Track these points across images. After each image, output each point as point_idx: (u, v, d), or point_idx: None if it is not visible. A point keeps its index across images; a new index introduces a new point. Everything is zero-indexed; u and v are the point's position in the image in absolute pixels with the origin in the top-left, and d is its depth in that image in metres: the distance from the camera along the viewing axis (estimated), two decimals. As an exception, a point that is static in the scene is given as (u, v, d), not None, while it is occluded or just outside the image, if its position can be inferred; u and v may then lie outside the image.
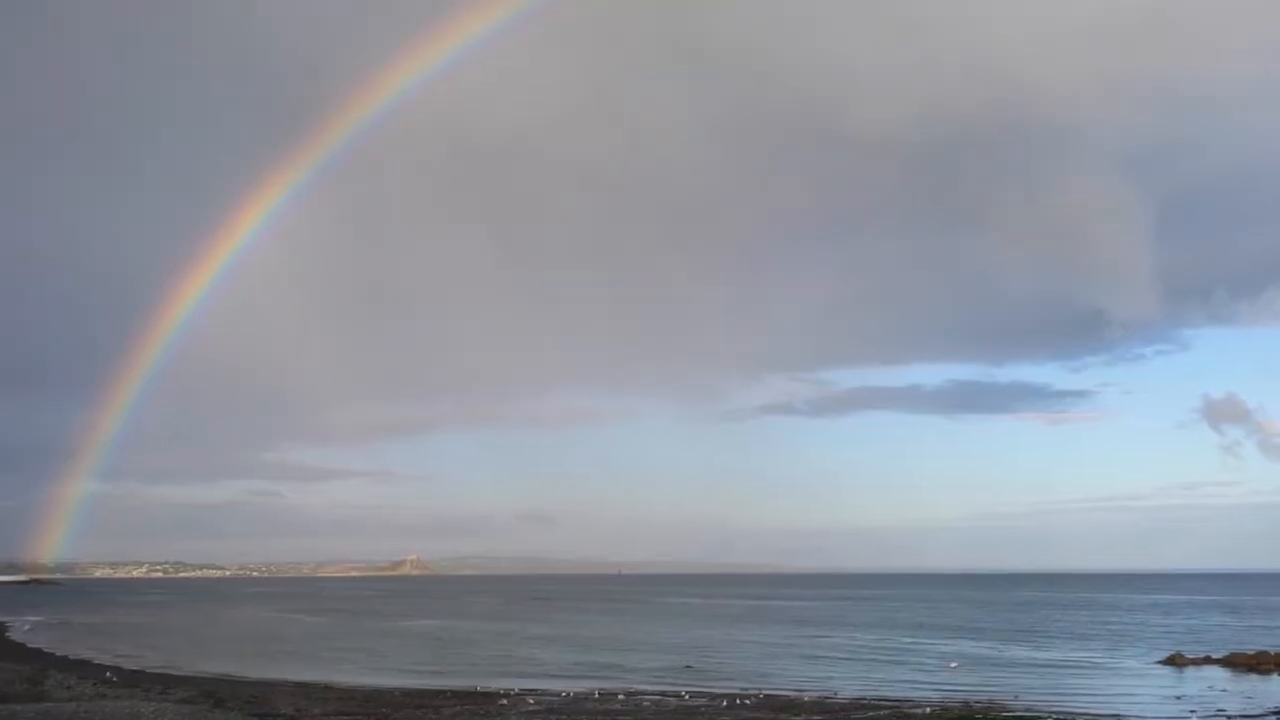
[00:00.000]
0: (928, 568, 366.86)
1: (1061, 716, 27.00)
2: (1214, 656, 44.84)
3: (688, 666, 42.74)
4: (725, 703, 30.05)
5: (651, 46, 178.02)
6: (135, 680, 36.16)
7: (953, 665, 43.10)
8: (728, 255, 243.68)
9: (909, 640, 59.13)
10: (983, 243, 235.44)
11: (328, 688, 34.97)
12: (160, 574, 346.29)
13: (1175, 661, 44.06)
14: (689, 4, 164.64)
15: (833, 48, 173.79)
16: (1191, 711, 28.99)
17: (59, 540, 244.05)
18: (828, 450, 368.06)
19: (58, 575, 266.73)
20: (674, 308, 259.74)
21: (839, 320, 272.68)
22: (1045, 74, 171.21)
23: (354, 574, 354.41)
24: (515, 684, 35.46)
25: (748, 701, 30.35)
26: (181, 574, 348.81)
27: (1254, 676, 39.39)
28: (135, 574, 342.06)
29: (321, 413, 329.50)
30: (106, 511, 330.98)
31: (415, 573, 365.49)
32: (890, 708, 28.89)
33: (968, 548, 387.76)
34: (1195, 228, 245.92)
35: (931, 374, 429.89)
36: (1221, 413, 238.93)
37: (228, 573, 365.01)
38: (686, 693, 32.75)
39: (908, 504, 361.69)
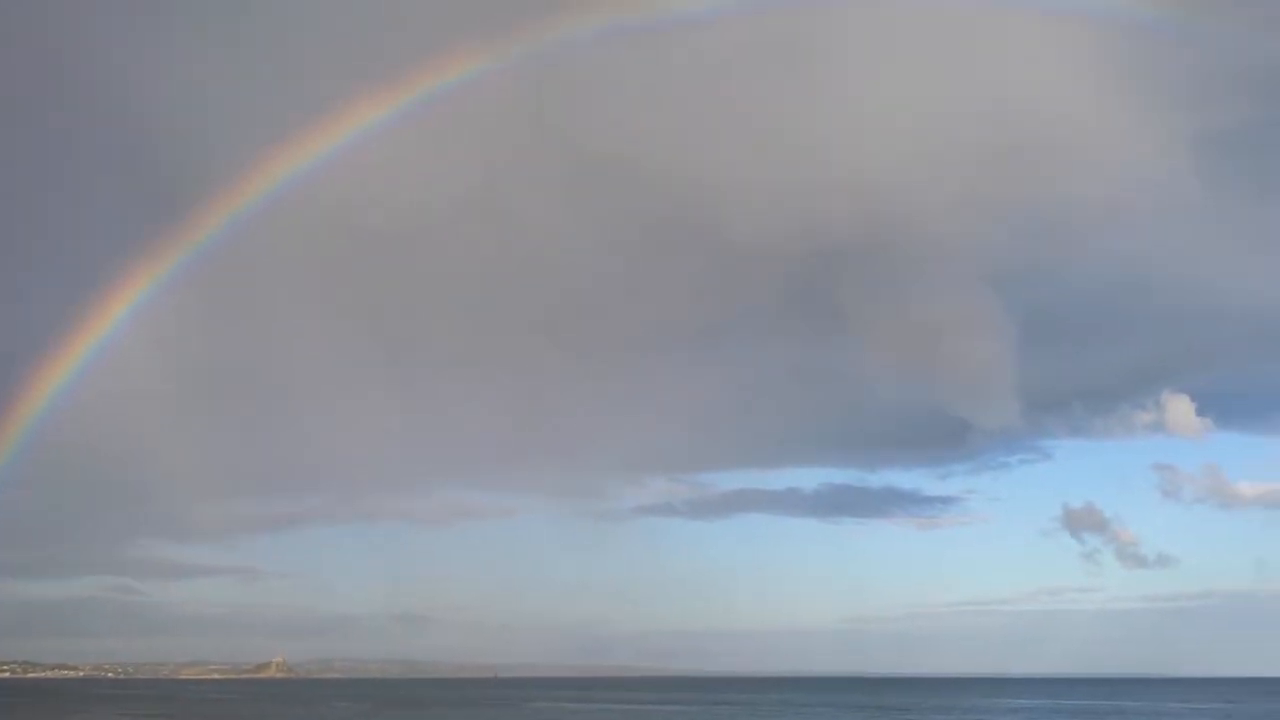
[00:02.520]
0: (804, 671, 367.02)
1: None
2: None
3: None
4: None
5: (540, 148, 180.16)
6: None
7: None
8: (608, 358, 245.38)
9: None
10: (856, 352, 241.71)
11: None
12: (8, 674, 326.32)
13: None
14: (579, 110, 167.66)
15: (716, 162, 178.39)
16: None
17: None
18: (706, 551, 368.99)
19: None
20: (554, 408, 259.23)
21: (718, 423, 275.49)
22: (915, 194, 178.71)
23: (215, 676, 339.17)
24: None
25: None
26: (31, 674, 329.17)
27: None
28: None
29: (187, 507, 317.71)
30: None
31: (280, 675, 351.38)
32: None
33: (843, 651, 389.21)
34: (1054, 343, 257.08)
35: (808, 477, 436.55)
36: (1081, 521, 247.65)
37: (81, 673, 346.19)
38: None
39: (785, 606, 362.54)
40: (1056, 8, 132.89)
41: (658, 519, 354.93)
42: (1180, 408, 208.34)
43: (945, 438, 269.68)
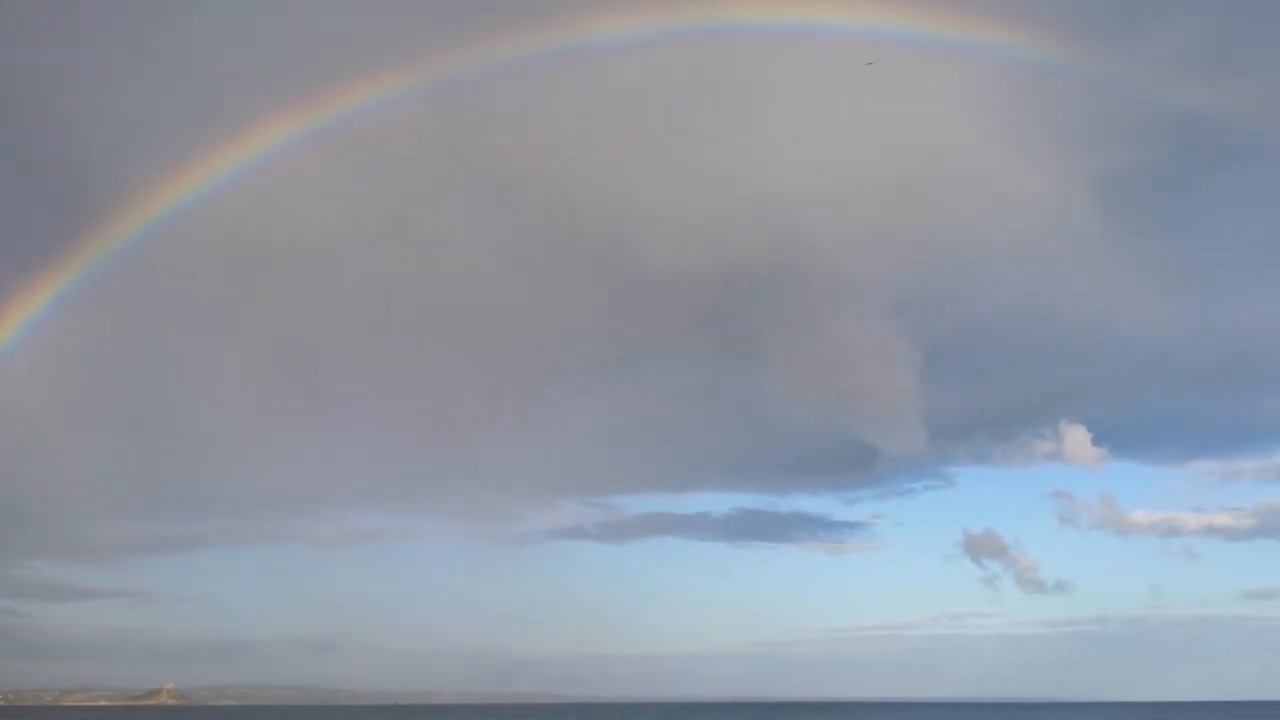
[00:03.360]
0: (712, 696, 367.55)
1: None
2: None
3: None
4: None
5: (456, 171, 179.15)
6: None
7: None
8: (521, 381, 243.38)
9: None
10: (767, 378, 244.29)
11: None
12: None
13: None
14: (495, 135, 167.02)
15: (632, 188, 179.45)
16: None
17: None
18: (616, 575, 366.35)
19: None
20: (464, 430, 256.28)
21: (631, 447, 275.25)
22: (826, 225, 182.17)
23: (102, 703, 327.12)
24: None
25: None
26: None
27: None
28: None
29: (77, 528, 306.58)
30: None
31: (171, 702, 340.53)
32: None
33: (751, 676, 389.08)
34: (958, 373, 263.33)
35: (719, 502, 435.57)
36: (982, 547, 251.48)
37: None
38: None
39: (694, 630, 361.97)
40: (966, 49, 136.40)
41: (569, 542, 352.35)
42: (1077, 437, 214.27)
43: (853, 464, 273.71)
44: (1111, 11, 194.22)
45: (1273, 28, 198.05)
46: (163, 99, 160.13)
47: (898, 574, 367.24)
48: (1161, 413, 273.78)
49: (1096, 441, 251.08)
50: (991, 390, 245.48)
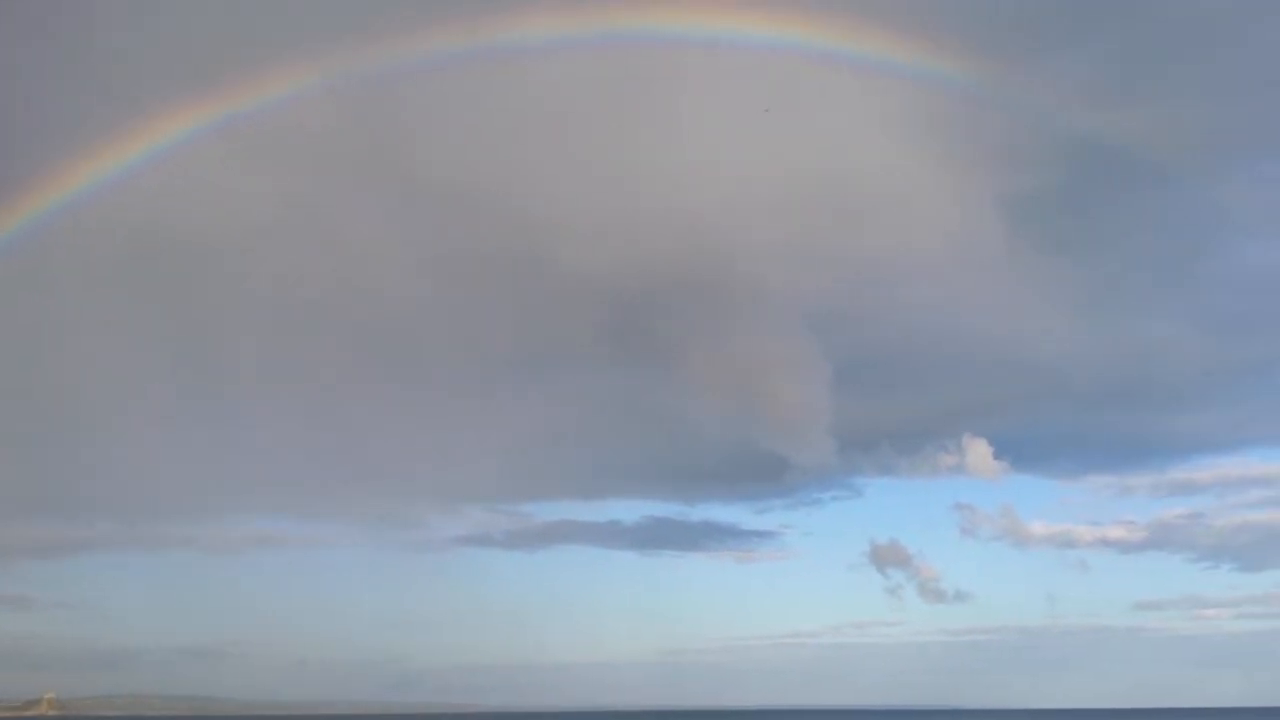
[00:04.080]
0: (619, 704, 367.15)
1: None
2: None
3: None
4: None
5: (366, 170, 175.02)
6: None
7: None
8: (429, 386, 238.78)
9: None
10: (680, 388, 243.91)
11: None
12: None
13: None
14: (409, 135, 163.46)
15: (547, 193, 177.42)
16: None
17: None
18: (524, 583, 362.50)
19: None
20: (368, 435, 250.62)
21: (540, 454, 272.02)
22: (740, 236, 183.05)
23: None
24: None
25: None
26: None
27: None
28: None
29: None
30: None
31: (52, 713, 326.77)
32: None
33: (659, 684, 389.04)
34: (867, 386, 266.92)
35: (629, 510, 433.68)
36: (887, 557, 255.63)
37: None
38: None
39: (601, 639, 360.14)
40: (883, 68, 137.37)
41: (475, 549, 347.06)
42: (979, 450, 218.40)
43: (764, 474, 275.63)
44: (1020, 39, 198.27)
45: (1171, 59, 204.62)
46: (57, 90, 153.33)
47: (805, 583, 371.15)
48: (1060, 428, 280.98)
49: (998, 455, 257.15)
50: (899, 404, 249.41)
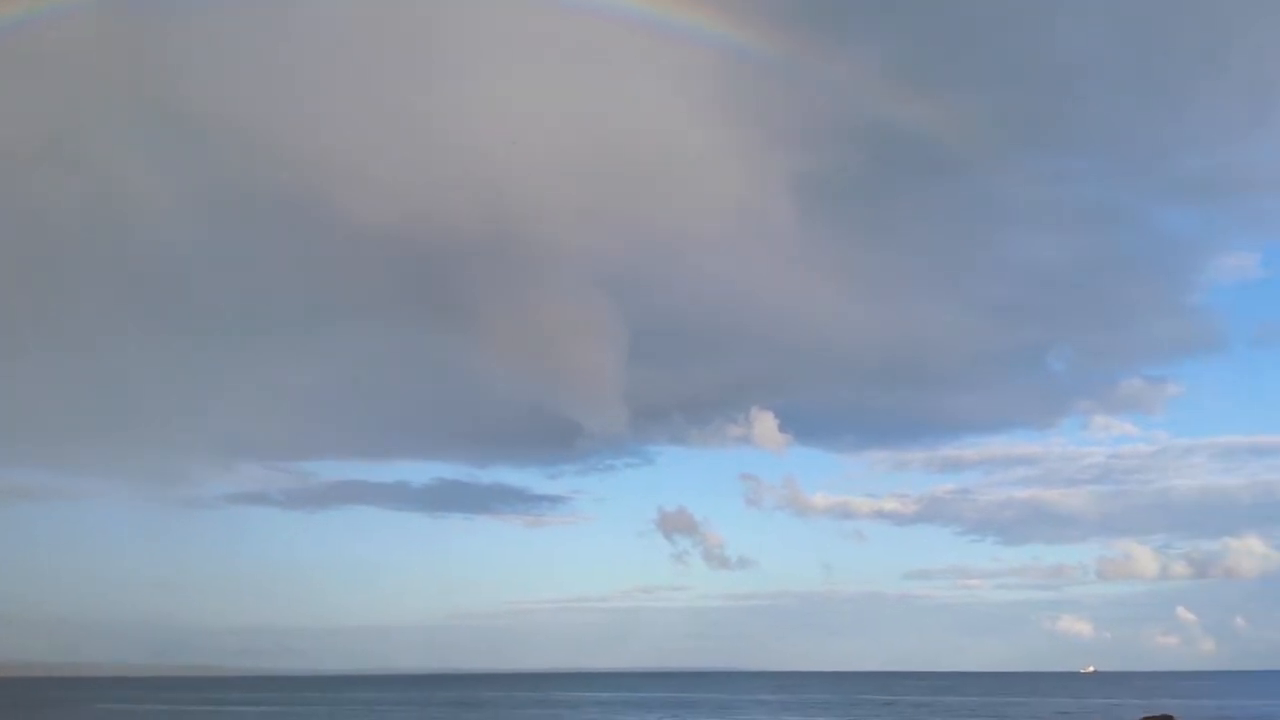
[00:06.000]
0: (402, 668, 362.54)
1: None
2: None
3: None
4: None
5: (134, 102, 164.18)
6: None
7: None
8: (199, 335, 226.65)
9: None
10: (473, 348, 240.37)
11: None
12: None
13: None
14: (184, 68, 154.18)
15: (335, 139, 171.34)
16: None
17: None
18: (304, 545, 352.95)
19: None
20: (135, 382, 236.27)
21: (324, 410, 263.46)
22: (536, 198, 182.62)
23: None
24: None
25: None
26: None
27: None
28: None
29: None
30: None
31: None
32: None
33: (444, 647, 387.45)
34: (659, 356, 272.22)
35: (418, 471, 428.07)
36: (674, 524, 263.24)
37: None
38: None
39: (386, 602, 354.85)
40: (688, 35, 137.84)
41: (250, 508, 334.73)
42: (765, 423, 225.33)
43: (556, 438, 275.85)
44: (827, 21, 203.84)
45: (964, 53, 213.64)
46: None
47: (594, 548, 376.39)
48: (842, 404, 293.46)
49: (783, 428, 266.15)
50: (691, 374, 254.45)
